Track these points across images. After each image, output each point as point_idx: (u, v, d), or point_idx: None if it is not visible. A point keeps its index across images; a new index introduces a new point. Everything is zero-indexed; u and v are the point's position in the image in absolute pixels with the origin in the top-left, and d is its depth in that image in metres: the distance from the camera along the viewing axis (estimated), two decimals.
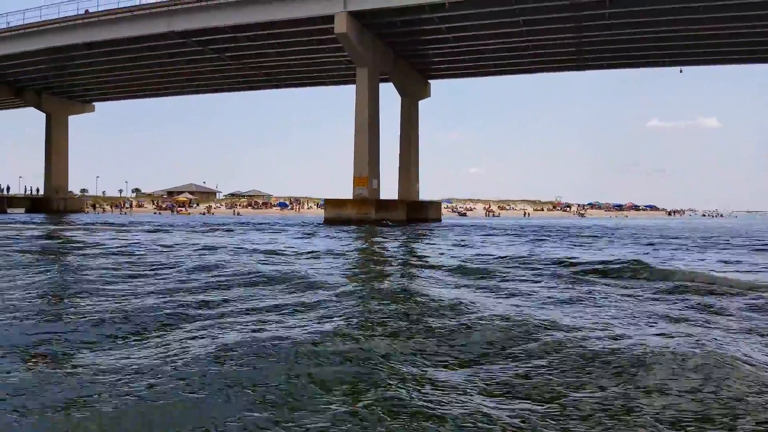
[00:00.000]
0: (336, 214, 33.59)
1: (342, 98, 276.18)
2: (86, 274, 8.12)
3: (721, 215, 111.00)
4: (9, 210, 52.70)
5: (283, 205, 73.34)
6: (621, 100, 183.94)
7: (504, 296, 6.64)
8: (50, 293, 6.53)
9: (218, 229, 25.85)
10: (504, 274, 8.72)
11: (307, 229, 27.14)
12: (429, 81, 44.81)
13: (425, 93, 44.19)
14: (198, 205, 75.18)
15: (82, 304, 5.81)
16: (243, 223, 35.80)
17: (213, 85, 51.85)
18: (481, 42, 36.21)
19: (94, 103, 60.89)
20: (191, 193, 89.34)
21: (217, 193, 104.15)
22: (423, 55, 40.24)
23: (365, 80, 34.49)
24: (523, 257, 11.97)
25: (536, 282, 7.97)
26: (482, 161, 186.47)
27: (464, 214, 76.48)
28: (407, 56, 39.74)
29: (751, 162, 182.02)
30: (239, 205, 74.40)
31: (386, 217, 33.31)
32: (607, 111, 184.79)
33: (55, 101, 56.77)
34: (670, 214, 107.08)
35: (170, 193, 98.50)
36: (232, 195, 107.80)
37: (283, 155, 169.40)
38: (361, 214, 32.54)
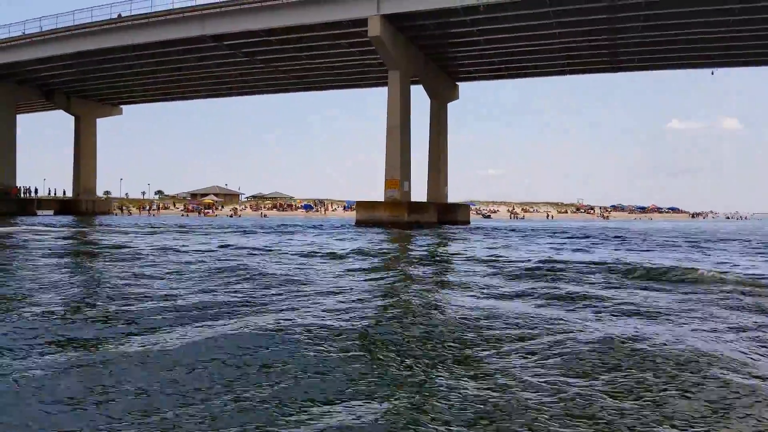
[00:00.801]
0: (368, 216, 33.64)
1: (365, 100, 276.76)
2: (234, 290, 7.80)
3: (745, 218, 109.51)
4: (38, 212, 53.48)
5: (308, 207, 73.61)
6: (640, 102, 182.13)
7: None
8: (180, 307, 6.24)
9: (273, 232, 25.88)
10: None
11: (348, 231, 27.12)
12: (457, 83, 44.78)
13: (454, 95, 44.18)
14: (223, 207, 75.68)
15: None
16: (280, 225, 35.90)
17: (243, 88, 52.31)
18: (512, 44, 36.09)
19: (121, 106, 61.81)
20: (216, 195, 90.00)
21: (240, 195, 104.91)
22: (452, 58, 40.21)
23: (397, 83, 34.53)
24: (609, 263, 11.07)
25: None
26: (500, 163, 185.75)
27: (488, 216, 76.20)
28: (436, 59, 39.74)
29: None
30: (264, 207, 74.81)
31: (418, 219, 33.30)
32: (627, 113, 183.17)
33: (84, 104, 57.64)
34: (693, 216, 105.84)
35: (194, 195, 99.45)
36: (254, 197, 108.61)
37: (304, 157, 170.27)
38: (394, 216, 32.55)
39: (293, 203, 78.53)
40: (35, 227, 25.89)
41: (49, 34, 43.26)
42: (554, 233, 28.07)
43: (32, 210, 52.35)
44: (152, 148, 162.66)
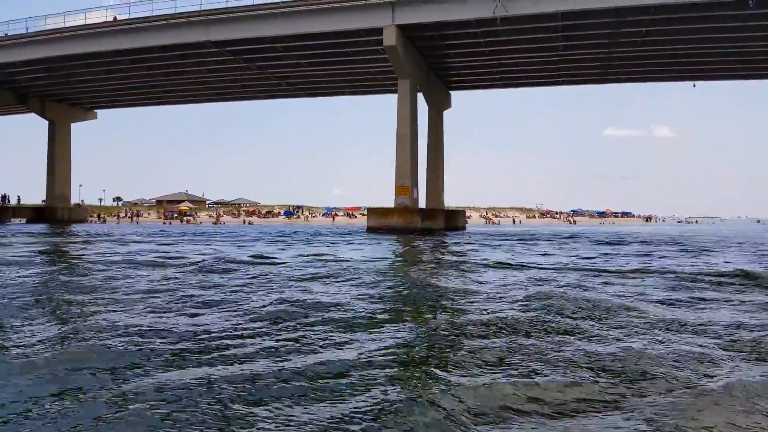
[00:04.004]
0: (380, 223, 34.08)
1: (326, 104, 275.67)
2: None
3: (696, 221, 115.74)
4: (13, 219, 51.28)
5: (288, 214, 73.07)
6: (580, 111, 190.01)
7: None
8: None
9: (303, 241, 25.99)
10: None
11: (378, 239, 27.53)
12: (450, 92, 45.85)
13: (448, 104, 45.24)
14: (197, 214, 74.19)
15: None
16: (290, 232, 35.88)
17: (234, 94, 51.73)
18: (515, 55, 37.43)
19: (96, 111, 59.92)
20: (192, 202, 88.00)
21: (206, 202, 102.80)
22: (450, 67, 41.27)
23: (407, 92, 35.23)
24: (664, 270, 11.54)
25: None
26: (450, 171, 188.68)
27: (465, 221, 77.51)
28: (435, 67, 40.68)
29: (704, 170, 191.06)
30: (243, 214, 73.83)
31: (431, 226, 34.02)
32: (568, 121, 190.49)
33: (58, 108, 55.63)
34: (647, 220, 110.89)
35: (160, 201, 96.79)
36: (217, 203, 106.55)
37: (262, 162, 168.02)
38: (407, 223, 33.13)
39: (272, 210, 77.77)
40: (78, 239, 25.16)
41: (34, 36, 41.78)
42: (569, 238, 29.27)
43: (7, 218, 50.14)
44: (104, 153, 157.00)
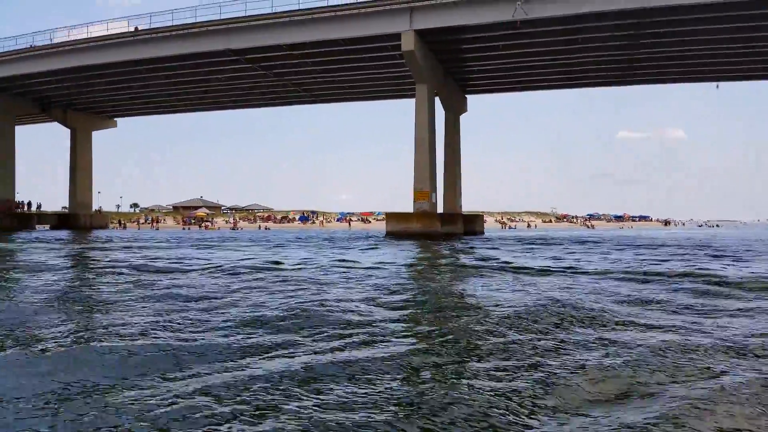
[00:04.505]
0: (399, 228, 34.19)
1: (331, 109, 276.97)
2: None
3: (717, 225, 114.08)
4: (38, 226, 52.14)
5: (304, 219, 73.50)
6: (593, 114, 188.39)
7: None
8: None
9: (332, 246, 26.16)
10: None
11: (390, 244, 27.61)
12: (466, 96, 45.92)
13: (464, 108, 45.28)
14: (213, 220, 74.85)
15: None
16: (304, 238, 36.14)
17: (251, 101, 52.24)
18: (534, 58, 37.41)
19: (116, 119, 60.82)
20: (208, 208, 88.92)
21: (221, 208, 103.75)
22: (467, 71, 41.36)
23: (425, 97, 35.38)
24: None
25: None
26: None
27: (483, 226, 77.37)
28: (451, 71, 40.80)
29: (719, 172, 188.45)
30: (260, 219, 74.40)
31: (451, 230, 34.07)
32: (580, 124, 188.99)
33: (79, 117, 56.59)
34: (665, 224, 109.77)
35: (176, 207, 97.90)
36: (232, 209, 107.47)
37: (272, 168, 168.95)
38: (426, 227, 33.21)
39: (287, 215, 78.26)
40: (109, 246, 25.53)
41: (59, 47, 42.57)
42: (597, 243, 29.11)
43: (32, 225, 51.00)
44: (119, 160, 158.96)
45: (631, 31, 31.74)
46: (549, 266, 14.16)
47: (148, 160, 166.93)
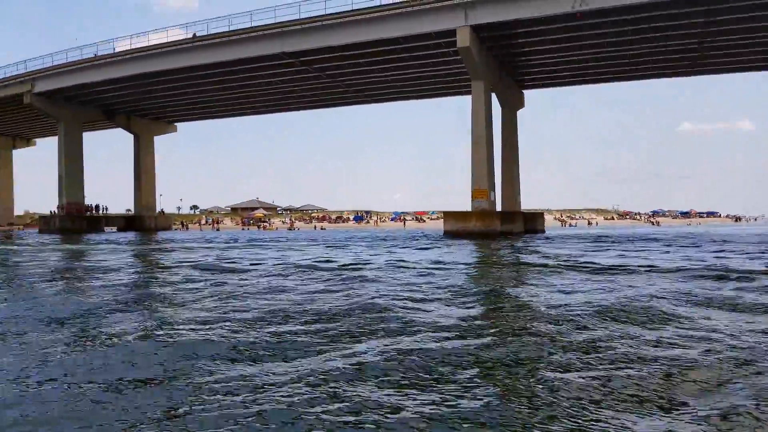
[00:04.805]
0: (457, 227, 33.69)
1: (379, 110, 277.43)
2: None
3: None
4: (106, 228, 54.34)
5: (359, 219, 73.80)
6: (652, 106, 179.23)
7: None
8: None
9: (400, 245, 25.96)
10: None
11: (450, 243, 27.13)
12: (523, 91, 44.83)
13: (521, 103, 44.23)
14: (270, 220, 76.17)
15: None
16: (358, 238, 36.05)
17: (304, 103, 52.76)
18: (596, 50, 36.10)
19: (175, 124, 62.70)
20: (265, 209, 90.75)
21: (277, 209, 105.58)
22: (524, 65, 40.37)
23: (481, 93, 34.69)
24: None
25: None
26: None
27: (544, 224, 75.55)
28: (507, 67, 39.87)
29: None
30: (316, 220, 75.24)
31: (511, 229, 33.27)
32: (639, 117, 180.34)
33: (142, 123, 58.66)
34: (736, 220, 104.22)
35: (234, 208, 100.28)
36: (287, 209, 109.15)
37: (325, 169, 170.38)
38: (485, 226, 32.56)
39: (341, 215, 78.80)
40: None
41: (121, 55, 44.12)
42: (672, 240, 27.76)
43: (101, 227, 53.21)
44: (177, 163, 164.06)
45: (700, 19, 30.06)
46: (624, 264, 13.50)
47: (205, 163, 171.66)
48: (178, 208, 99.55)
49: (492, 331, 5.66)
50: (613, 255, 17.27)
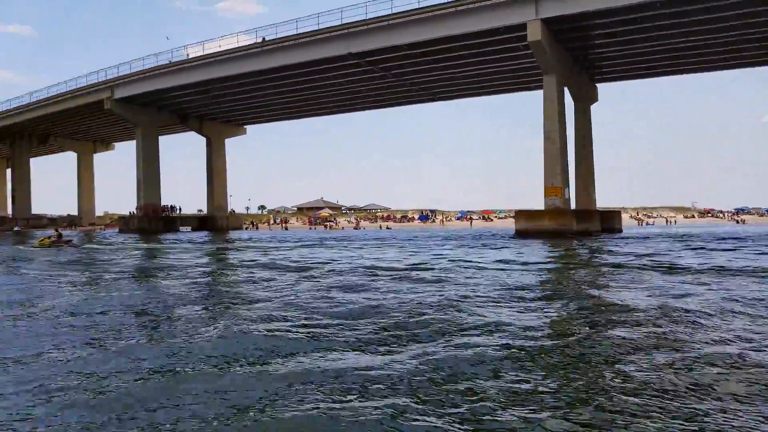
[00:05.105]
0: (529, 226, 32.74)
1: (442, 108, 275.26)
2: None
3: None
4: (181, 228, 56.41)
5: (424, 218, 73.45)
6: (732, 98, 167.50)
7: None
8: None
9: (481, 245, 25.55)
10: None
11: (525, 244, 26.33)
12: (596, 85, 43.12)
13: (595, 97, 42.56)
14: (335, 220, 77.00)
15: None
16: (425, 237, 35.70)
17: (368, 103, 52.87)
18: (677, 39, 34.20)
19: (245, 127, 64.29)
20: (330, 208, 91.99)
21: (341, 208, 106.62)
22: (597, 58, 38.81)
23: (553, 88, 33.60)
24: None
25: None
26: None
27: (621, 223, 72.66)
28: (580, 60, 38.44)
29: None
30: (381, 219, 75.53)
31: (587, 228, 32.04)
32: (717, 109, 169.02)
33: (213, 126, 60.48)
34: None
35: (300, 208, 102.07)
36: (351, 209, 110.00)
37: (387, 168, 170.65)
38: (560, 225, 31.49)
39: (406, 214, 78.65)
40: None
41: (194, 61, 45.55)
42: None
43: (176, 227, 55.28)
44: (246, 164, 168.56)
45: None
46: (721, 265, 12.58)
47: (270, 163, 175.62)
48: (247, 209, 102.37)
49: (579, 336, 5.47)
50: (713, 256, 16.18)
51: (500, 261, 15.22)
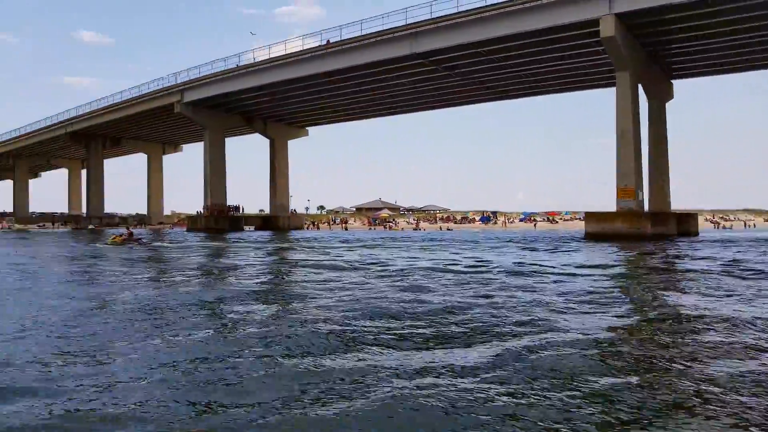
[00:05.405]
0: (601, 229, 31.54)
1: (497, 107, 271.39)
2: None
3: None
4: (245, 227, 57.70)
5: (486, 220, 72.40)
6: None
7: None
8: None
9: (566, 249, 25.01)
10: None
11: (598, 247, 25.40)
12: (672, 81, 41.26)
13: (671, 94, 40.73)
14: (394, 220, 76.96)
15: None
16: (490, 239, 35.04)
17: (430, 103, 52.57)
18: (754, 34, 32.30)
19: (307, 128, 65.14)
20: (389, 209, 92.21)
21: (400, 209, 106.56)
22: (673, 54, 37.10)
23: (627, 85, 32.33)
24: None
25: None
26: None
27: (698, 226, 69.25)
28: (654, 56, 36.83)
29: None
30: (441, 220, 75.00)
31: (663, 231, 30.63)
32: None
33: (277, 128, 61.62)
34: None
35: (359, 209, 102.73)
36: (409, 210, 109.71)
37: (443, 168, 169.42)
38: (633, 228, 30.21)
39: (467, 216, 77.76)
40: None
41: (261, 64, 46.47)
42: None
43: (240, 226, 56.59)
44: (303, 164, 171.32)
45: None
46: None
47: (328, 164, 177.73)
48: (306, 209, 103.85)
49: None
50: None
51: (577, 265, 14.66)
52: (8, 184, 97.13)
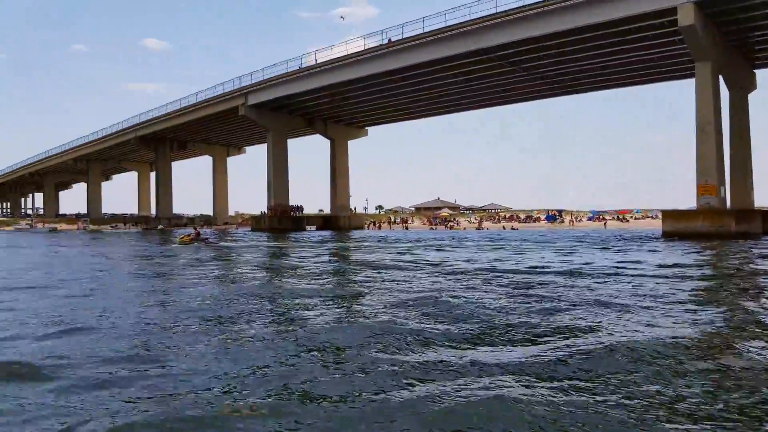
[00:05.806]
0: (680, 227, 30.02)
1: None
2: None
3: None
4: (307, 227, 58.41)
5: (551, 218, 70.54)
6: None
7: None
8: None
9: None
10: None
11: (679, 247, 24.03)
12: (755, 71, 38.88)
13: (753, 85, 38.36)
14: (455, 219, 76.13)
15: None
16: (562, 239, 33.90)
17: (492, 100, 51.65)
18: None
19: (366, 128, 65.34)
20: (449, 208, 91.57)
21: (460, 208, 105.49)
22: (756, 41, 34.93)
23: (707, 75, 30.61)
24: None
25: None
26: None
27: None
28: (735, 44, 34.77)
29: None
30: (504, 219, 73.65)
31: (747, 230, 28.83)
32: None
33: (337, 128, 62.10)
34: None
35: (418, 208, 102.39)
36: (469, 209, 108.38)
37: (499, 167, 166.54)
38: (715, 226, 28.55)
39: (531, 214, 76.01)
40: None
41: (322, 66, 46.86)
42: None
43: (302, 226, 57.34)
44: (362, 164, 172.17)
45: None
46: None
47: (386, 163, 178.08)
48: (365, 208, 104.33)
49: None
50: None
51: (660, 265, 13.84)
52: (82, 187, 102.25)
